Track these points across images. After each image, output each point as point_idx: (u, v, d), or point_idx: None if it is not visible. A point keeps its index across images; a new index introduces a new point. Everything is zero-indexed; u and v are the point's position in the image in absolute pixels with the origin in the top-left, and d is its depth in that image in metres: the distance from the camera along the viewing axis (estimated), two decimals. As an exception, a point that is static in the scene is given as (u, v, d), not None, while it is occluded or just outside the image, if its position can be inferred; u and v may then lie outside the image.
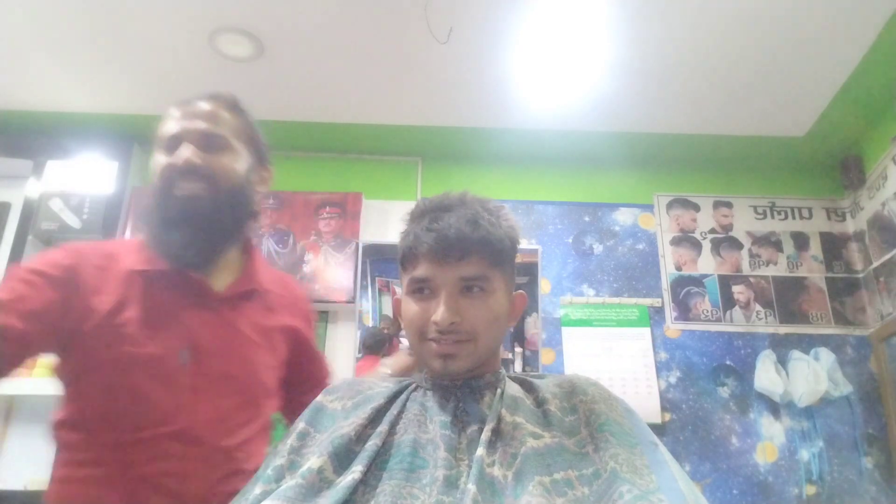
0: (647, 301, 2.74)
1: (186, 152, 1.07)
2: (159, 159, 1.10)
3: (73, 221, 2.70)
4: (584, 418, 0.86)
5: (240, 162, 1.15)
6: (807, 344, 2.66)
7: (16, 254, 2.61)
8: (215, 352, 1.08)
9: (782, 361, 2.62)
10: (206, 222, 1.08)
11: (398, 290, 3.00)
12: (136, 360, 1.01)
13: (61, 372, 1.05)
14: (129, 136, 2.83)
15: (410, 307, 0.90)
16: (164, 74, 2.52)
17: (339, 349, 2.63)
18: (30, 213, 2.68)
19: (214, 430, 1.05)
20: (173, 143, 1.09)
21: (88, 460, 1.01)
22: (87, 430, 1.01)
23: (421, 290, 0.89)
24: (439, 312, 0.86)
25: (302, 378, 1.28)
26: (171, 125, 1.11)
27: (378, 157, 3.00)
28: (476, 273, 0.88)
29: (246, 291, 1.16)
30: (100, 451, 1.00)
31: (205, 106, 1.13)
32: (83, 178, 2.79)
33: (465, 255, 0.87)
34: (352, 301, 2.64)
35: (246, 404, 1.11)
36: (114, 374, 1.00)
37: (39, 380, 2.46)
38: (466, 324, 0.87)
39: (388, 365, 1.32)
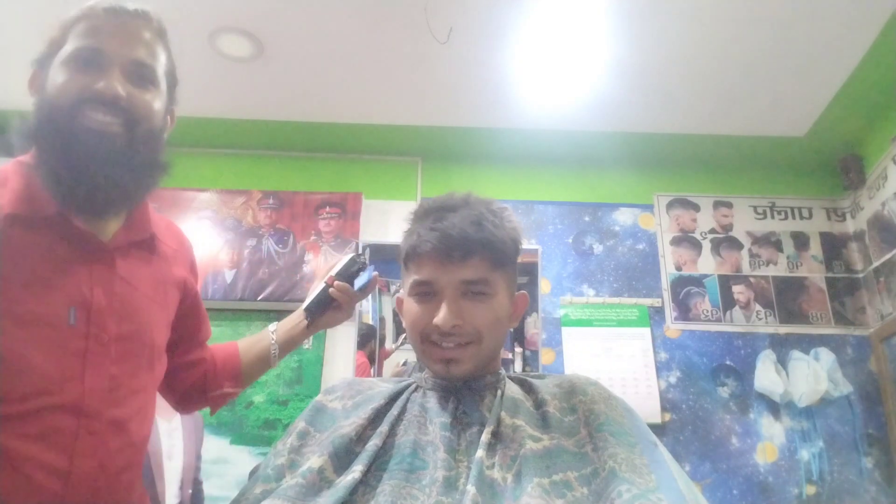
0: (647, 301, 2.74)
1: (115, 82, 0.89)
2: (63, 75, 0.90)
3: (72, 221, 2.70)
4: (583, 418, 0.86)
5: (159, 101, 0.97)
6: (807, 344, 2.66)
7: (16, 254, 2.60)
8: (109, 311, 0.92)
9: (782, 361, 2.62)
10: (117, 165, 0.90)
11: (392, 288, 2.96)
12: (16, 320, 0.83)
13: None
14: (129, 136, 2.84)
15: (412, 308, 0.90)
16: (164, 74, 2.52)
17: (339, 349, 2.63)
18: (30, 212, 2.67)
19: (105, 400, 0.89)
20: (93, 60, 0.90)
21: None
22: None
23: (423, 292, 0.89)
24: (441, 315, 0.86)
25: (184, 338, 1.13)
26: (92, 37, 0.91)
27: (378, 157, 3.00)
28: (478, 276, 0.87)
29: (141, 241, 1.00)
30: None
31: (139, 27, 0.94)
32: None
33: (467, 256, 0.87)
34: (352, 301, 2.64)
35: (138, 370, 0.96)
36: None
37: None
38: (468, 326, 0.87)
39: (273, 330, 1.23)
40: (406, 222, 0.96)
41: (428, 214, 0.91)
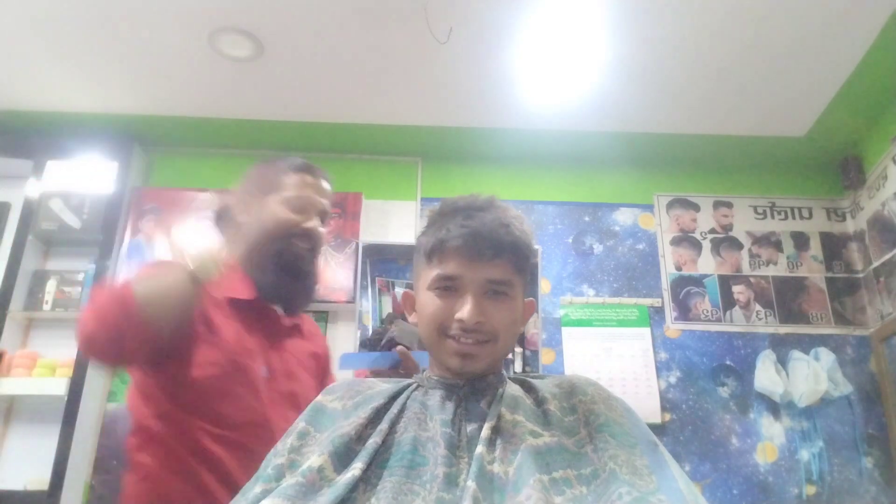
0: (647, 301, 2.74)
1: (316, 224, 1.31)
2: (282, 211, 1.28)
3: (73, 221, 2.70)
4: (583, 418, 0.86)
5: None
6: (807, 344, 2.66)
7: (16, 254, 2.61)
8: (282, 372, 1.26)
9: (782, 361, 2.62)
10: (307, 278, 1.31)
11: (399, 290, 2.97)
12: (236, 366, 1.18)
13: (156, 388, 1.18)
14: (129, 136, 2.83)
15: (432, 302, 0.90)
16: (164, 74, 2.52)
17: (340, 349, 2.63)
18: (30, 213, 2.68)
19: None
20: (301, 205, 1.30)
21: (182, 458, 1.12)
22: (183, 422, 1.13)
23: (447, 286, 0.89)
24: (466, 311, 0.86)
25: None
26: (301, 189, 1.31)
27: (378, 157, 3.00)
28: (502, 277, 0.89)
29: (296, 325, 1.36)
30: (195, 449, 1.12)
31: (327, 185, 1.39)
32: (83, 178, 2.79)
33: (496, 257, 0.88)
34: (352, 301, 2.64)
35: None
36: (214, 374, 1.16)
37: (39, 380, 2.46)
38: (489, 325, 0.88)
39: None
40: (427, 218, 0.97)
41: (456, 212, 0.92)
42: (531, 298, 0.98)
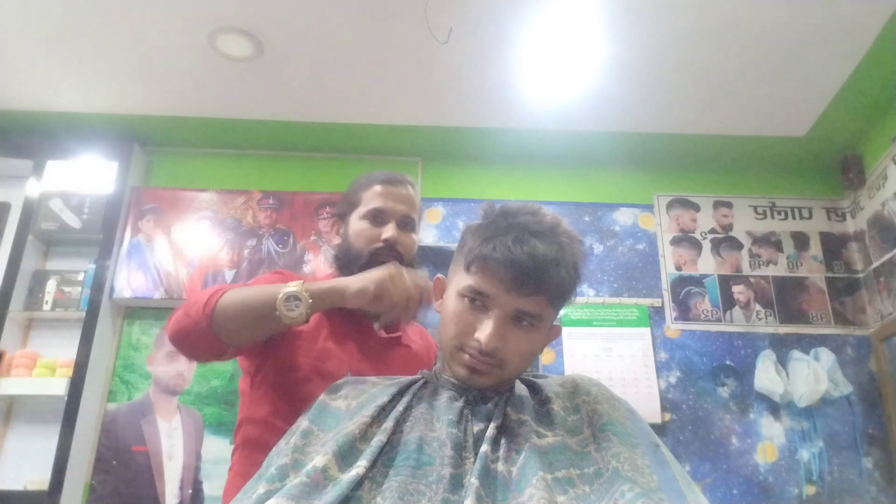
0: (647, 301, 2.74)
1: (391, 231, 1.28)
2: (362, 226, 1.30)
3: (73, 221, 2.71)
4: (586, 418, 0.86)
5: (415, 238, 1.36)
6: (807, 344, 2.66)
7: (16, 254, 2.61)
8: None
9: (782, 361, 2.62)
10: None
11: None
12: (319, 372, 1.18)
13: (253, 374, 1.23)
14: (129, 136, 2.84)
15: (458, 310, 0.89)
16: (164, 74, 2.52)
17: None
18: (30, 213, 2.68)
19: None
20: (378, 216, 1.29)
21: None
22: (271, 426, 1.14)
23: (476, 299, 0.87)
24: (485, 334, 0.85)
25: None
26: (378, 200, 1.31)
27: (378, 157, 3.00)
28: (535, 310, 0.87)
29: (394, 337, 1.35)
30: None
31: (406, 191, 1.34)
32: (83, 178, 2.79)
33: (534, 293, 0.86)
34: (352, 301, 2.64)
35: None
36: (301, 380, 1.18)
37: (39, 380, 2.46)
38: (504, 352, 0.86)
39: None
40: (482, 212, 0.92)
41: (511, 228, 0.86)
42: (557, 324, 0.95)
